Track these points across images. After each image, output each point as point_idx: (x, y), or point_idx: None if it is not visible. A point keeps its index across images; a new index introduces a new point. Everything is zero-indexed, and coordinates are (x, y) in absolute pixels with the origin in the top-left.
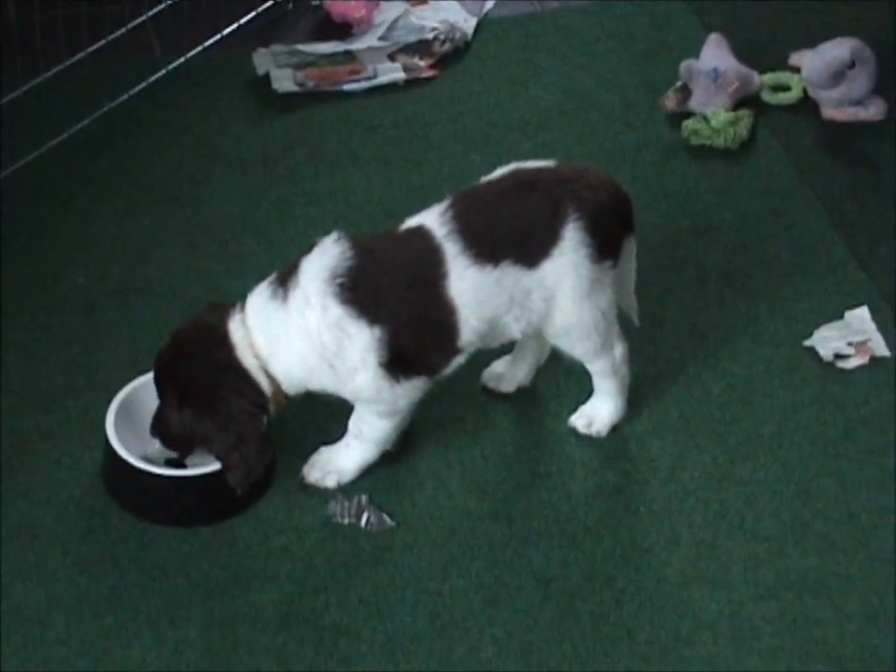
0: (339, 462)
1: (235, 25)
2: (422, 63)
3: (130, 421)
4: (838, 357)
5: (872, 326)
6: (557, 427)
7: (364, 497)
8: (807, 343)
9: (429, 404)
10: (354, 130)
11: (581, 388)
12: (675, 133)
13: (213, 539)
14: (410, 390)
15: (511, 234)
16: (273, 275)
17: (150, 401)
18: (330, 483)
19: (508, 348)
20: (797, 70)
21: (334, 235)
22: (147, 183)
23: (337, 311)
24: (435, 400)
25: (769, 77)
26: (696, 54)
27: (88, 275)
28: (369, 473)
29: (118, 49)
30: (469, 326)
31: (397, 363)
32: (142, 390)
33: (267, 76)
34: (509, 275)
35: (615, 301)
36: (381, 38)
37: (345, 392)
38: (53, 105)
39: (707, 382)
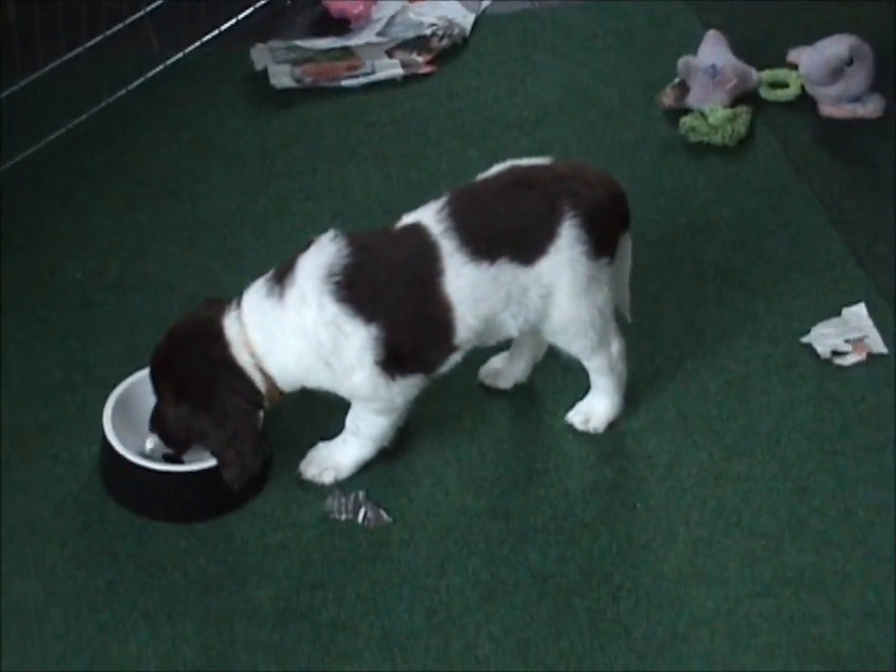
0: (336, 458)
1: (233, 21)
2: (420, 60)
3: (127, 416)
4: (836, 353)
5: (869, 323)
6: (554, 423)
7: (361, 494)
8: (805, 339)
9: (426, 401)
10: (352, 126)
11: (578, 385)
12: (673, 130)
13: (210, 534)
14: (406, 388)
15: (507, 231)
16: (270, 272)
17: (148, 397)
18: (327, 479)
19: (505, 345)
20: (795, 67)
21: (331, 233)
22: (145, 178)
23: (333, 309)
24: (432, 397)
25: (767, 74)
26: (694, 51)
27: (86, 270)
28: (366, 469)
29: (116, 45)
30: (466, 323)
31: (393, 361)
32: (139, 385)
33: (265, 71)
34: (505, 273)
35: (611, 297)
36: (379, 34)
37: (342, 390)
38: (51, 100)
39: (705, 378)
